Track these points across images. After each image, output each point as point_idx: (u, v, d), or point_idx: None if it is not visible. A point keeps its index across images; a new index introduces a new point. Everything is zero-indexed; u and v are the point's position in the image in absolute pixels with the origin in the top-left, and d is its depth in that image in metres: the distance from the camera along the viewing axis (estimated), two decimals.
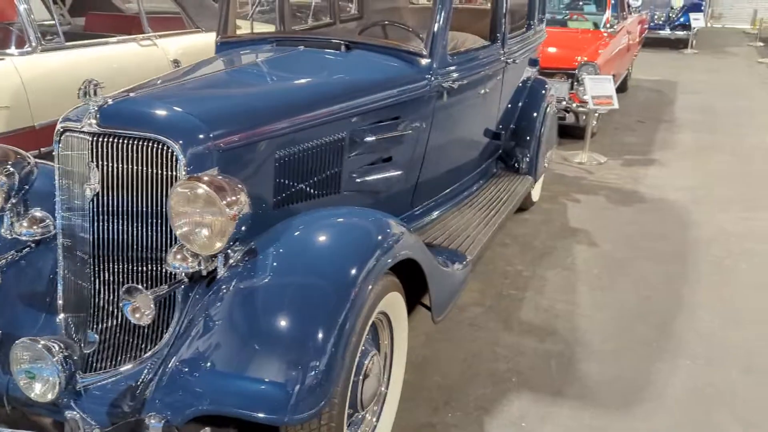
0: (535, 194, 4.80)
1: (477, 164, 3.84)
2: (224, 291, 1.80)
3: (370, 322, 1.96)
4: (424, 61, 2.95)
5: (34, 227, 2.14)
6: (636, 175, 5.67)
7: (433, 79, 2.96)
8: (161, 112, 1.98)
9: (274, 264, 1.85)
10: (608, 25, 7.65)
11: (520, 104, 4.35)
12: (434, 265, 2.41)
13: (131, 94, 2.02)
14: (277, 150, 2.26)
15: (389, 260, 1.99)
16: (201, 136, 1.97)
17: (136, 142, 1.93)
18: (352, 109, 2.57)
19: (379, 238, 2.02)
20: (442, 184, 3.44)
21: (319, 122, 2.41)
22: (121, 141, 1.93)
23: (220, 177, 1.85)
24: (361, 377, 2.02)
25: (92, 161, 1.95)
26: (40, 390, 1.71)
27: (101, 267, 2.01)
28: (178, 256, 1.86)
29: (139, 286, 1.77)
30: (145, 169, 1.95)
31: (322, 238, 1.97)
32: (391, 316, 2.23)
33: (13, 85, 3.86)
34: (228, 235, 1.78)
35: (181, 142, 1.92)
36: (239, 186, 1.86)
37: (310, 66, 2.83)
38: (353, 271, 1.84)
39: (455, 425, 2.48)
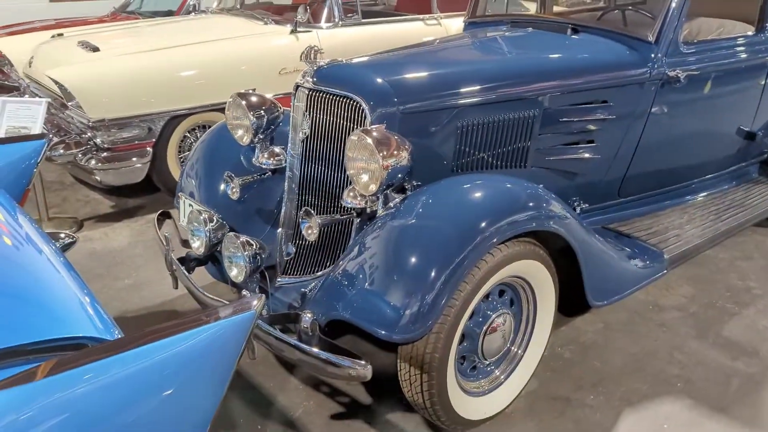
0: None
1: (719, 164, 3.53)
2: (377, 227, 2.17)
3: (494, 279, 2.15)
4: (648, 48, 2.88)
5: (272, 159, 2.78)
6: None
7: (656, 66, 2.87)
8: (359, 77, 2.42)
9: (420, 210, 2.14)
10: None
11: None
12: (596, 250, 2.45)
13: (342, 61, 2.49)
14: (461, 118, 2.53)
15: (524, 226, 2.14)
16: (388, 99, 2.36)
17: (337, 99, 2.40)
18: (547, 88, 2.69)
19: (518, 205, 2.18)
20: (665, 179, 3.29)
21: (506, 97, 2.60)
22: (327, 97, 2.42)
23: (386, 133, 2.21)
24: (484, 329, 2.23)
25: (306, 112, 2.49)
26: (235, 273, 2.31)
27: (304, 197, 2.56)
28: (351, 194, 2.29)
29: (312, 211, 2.26)
30: (342, 122, 2.42)
31: (466, 194, 2.20)
32: (533, 285, 2.36)
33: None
34: (380, 180, 2.15)
35: (371, 102, 2.34)
36: (402, 143, 2.20)
37: (519, 46, 3.00)
38: (479, 225, 2.04)
39: (591, 406, 2.51)
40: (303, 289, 2.41)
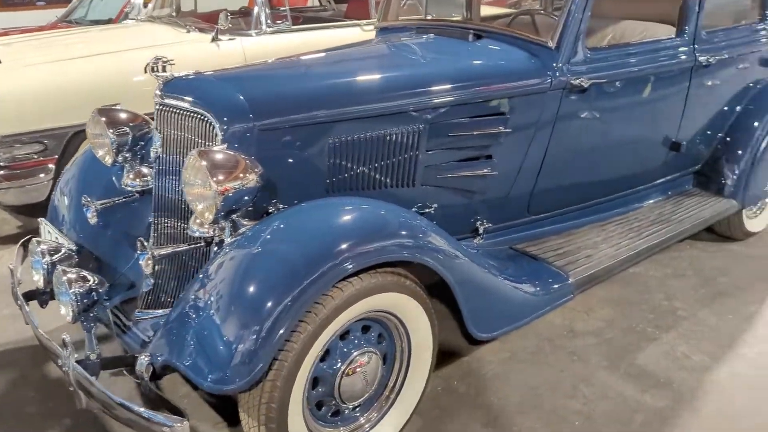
0: (760, 224, 3.94)
1: (643, 177, 3.32)
2: (217, 258, 1.94)
3: (348, 315, 1.93)
4: (549, 55, 2.66)
5: (138, 180, 2.54)
6: None
7: (558, 75, 2.66)
8: (210, 91, 2.19)
9: (265, 238, 1.91)
10: None
11: (736, 112, 3.60)
12: (480, 279, 2.24)
13: (193, 73, 2.26)
14: (333, 134, 2.31)
15: (377, 256, 1.91)
16: (241, 115, 2.13)
17: (187, 115, 2.17)
18: (433, 99, 2.47)
19: (372, 233, 1.95)
20: (580, 195, 3.07)
21: (383, 110, 2.38)
22: (177, 113, 2.19)
23: (228, 153, 1.99)
24: (342, 370, 2.00)
25: (156, 128, 2.26)
26: (63, 312, 2.07)
27: (161, 222, 2.32)
28: (197, 222, 2.06)
29: (146, 242, 2.03)
30: (194, 139, 2.19)
31: (318, 221, 1.98)
32: (404, 320, 2.13)
33: (237, 60, 4.53)
34: (216, 207, 1.92)
35: (222, 119, 2.11)
36: (248, 165, 1.97)
37: (412, 54, 2.78)
38: (323, 256, 1.83)
39: None
40: (152, 326, 2.19)
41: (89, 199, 2.47)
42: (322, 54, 2.79)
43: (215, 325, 1.78)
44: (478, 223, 2.80)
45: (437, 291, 2.19)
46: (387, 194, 2.50)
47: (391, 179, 2.50)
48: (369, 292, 1.95)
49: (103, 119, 2.45)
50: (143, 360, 1.89)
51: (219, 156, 1.95)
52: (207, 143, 2.14)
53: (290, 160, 2.27)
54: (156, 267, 2.12)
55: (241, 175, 1.95)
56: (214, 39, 4.59)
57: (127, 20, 5.93)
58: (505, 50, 2.76)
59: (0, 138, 3.74)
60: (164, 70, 2.21)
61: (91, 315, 2.07)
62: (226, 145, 2.05)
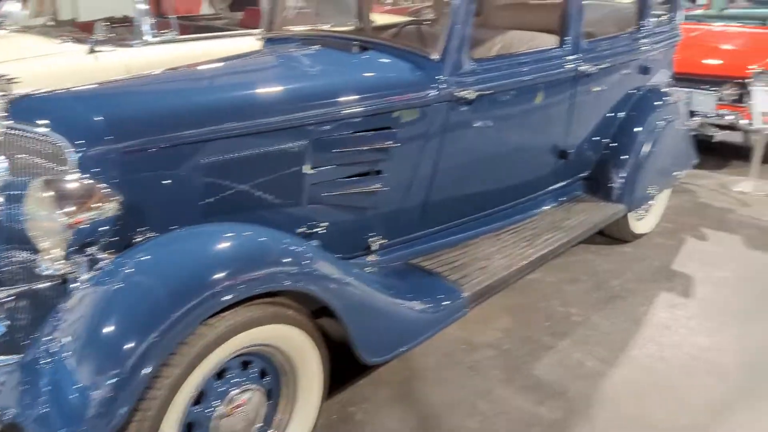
0: (646, 225, 4.08)
1: (534, 186, 3.34)
2: (73, 297, 1.74)
3: (221, 353, 1.78)
4: (433, 66, 2.61)
5: None
6: None
7: (443, 86, 2.61)
8: (61, 112, 1.98)
9: (121, 274, 1.73)
10: None
11: (620, 118, 3.70)
12: (368, 302, 2.14)
13: (42, 91, 2.05)
14: (206, 154, 2.15)
15: (252, 288, 1.77)
16: (97, 137, 1.94)
17: (37, 138, 1.95)
18: (315, 115, 2.35)
19: (249, 262, 1.81)
20: (473, 206, 3.04)
21: (262, 128, 2.24)
22: (24, 135, 1.97)
23: (77, 182, 1.79)
24: (218, 412, 1.85)
25: (3, 153, 2.02)
26: None
27: (12, 255, 2.08)
28: (47, 257, 1.85)
29: None
30: (45, 164, 1.97)
31: (180, 252, 1.82)
32: (288, 352, 2.00)
33: (118, 74, 4.24)
34: (66, 243, 1.72)
35: (75, 142, 1.91)
36: (101, 193, 1.79)
37: (294, 67, 2.67)
38: (184, 293, 1.67)
39: None
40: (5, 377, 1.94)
41: None
42: (198, 67, 2.62)
43: (66, 372, 1.59)
44: (372, 240, 2.71)
45: (328, 311, 2.08)
46: (272, 215, 2.37)
47: (276, 199, 2.36)
48: (245, 327, 1.81)
49: None
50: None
51: (67, 185, 1.76)
52: (60, 168, 1.93)
53: (160, 184, 2.09)
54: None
55: (95, 204, 1.77)
56: (92, 51, 4.28)
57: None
58: (390, 62, 2.69)
59: None
60: (6, 90, 1.98)
61: None
62: (78, 172, 1.85)
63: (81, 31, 4.76)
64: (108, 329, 1.61)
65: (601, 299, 3.35)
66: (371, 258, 2.72)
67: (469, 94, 2.65)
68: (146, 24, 4.50)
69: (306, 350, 2.03)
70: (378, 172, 2.59)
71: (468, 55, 2.66)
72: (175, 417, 1.71)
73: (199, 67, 2.61)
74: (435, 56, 2.61)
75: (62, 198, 1.71)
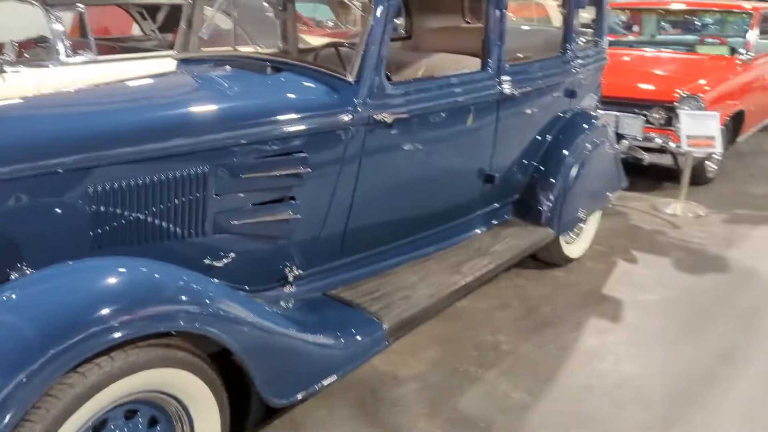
0: (578, 249, 4.06)
1: (459, 211, 3.26)
2: None
3: (95, 404, 1.60)
4: (349, 89, 2.50)
5: None
6: (734, 236, 4.61)
7: (359, 109, 2.50)
8: None
9: None
10: (748, 52, 6.37)
11: (547, 141, 3.67)
12: (273, 342, 1.99)
13: None
14: (93, 182, 1.98)
15: (136, 329, 1.61)
16: None
17: None
18: (218, 139, 2.21)
19: (135, 300, 1.66)
20: (396, 232, 2.93)
21: (157, 154, 2.09)
22: None
23: None
24: None
25: None
26: None
27: None
28: None
29: None
30: None
31: (54, 291, 1.66)
32: (181, 398, 1.83)
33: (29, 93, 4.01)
34: None
35: None
36: None
37: (193, 90, 2.53)
38: (49, 336, 1.50)
39: None
40: None
41: None
42: (93, 89, 2.44)
43: None
44: (287, 270, 2.56)
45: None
46: (172, 246, 2.21)
47: (176, 229, 2.20)
48: (124, 373, 1.63)
49: None
50: None
51: None
52: None
53: (41, 215, 1.91)
54: None
55: None
56: (0, 71, 4.04)
57: None
58: (304, 84, 2.57)
59: None
60: None
61: None
62: None
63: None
64: None
65: (531, 326, 3.28)
66: (287, 289, 2.58)
67: (387, 117, 2.55)
68: (61, 44, 4.29)
69: (201, 396, 1.86)
70: (291, 199, 2.46)
71: (384, 78, 2.56)
72: None
73: (94, 89, 2.43)
74: (350, 78, 2.51)
75: None
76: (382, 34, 2.51)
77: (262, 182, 2.36)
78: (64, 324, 1.54)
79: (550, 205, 3.57)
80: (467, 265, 3.03)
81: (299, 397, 2.10)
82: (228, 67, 2.75)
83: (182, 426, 1.89)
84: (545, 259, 3.87)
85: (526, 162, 3.59)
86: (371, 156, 2.60)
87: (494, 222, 3.53)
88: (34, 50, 4.68)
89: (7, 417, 1.41)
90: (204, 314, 1.79)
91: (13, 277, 1.85)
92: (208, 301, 1.82)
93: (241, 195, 2.33)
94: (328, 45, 3.35)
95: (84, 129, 2.02)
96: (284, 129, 2.36)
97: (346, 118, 2.48)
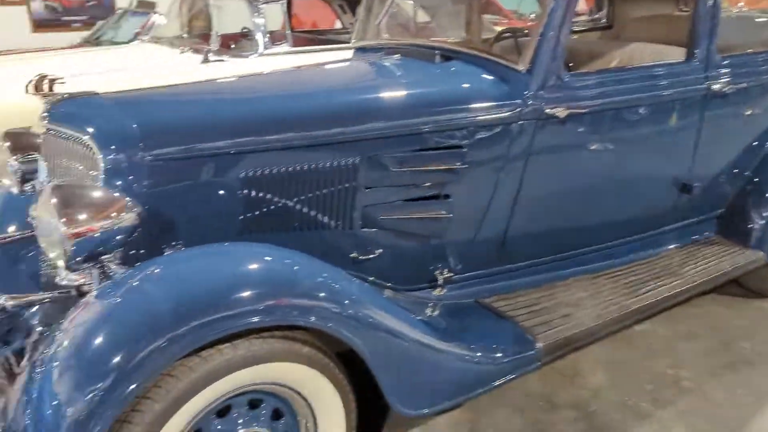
0: None
1: (646, 223, 2.85)
2: (73, 311, 1.63)
3: (218, 389, 1.58)
4: (519, 79, 2.27)
5: None
6: None
7: (529, 102, 2.26)
8: (95, 115, 1.90)
9: (123, 289, 1.58)
10: None
11: (765, 148, 3.09)
12: (409, 349, 1.86)
13: (83, 93, 1.98)
14: (246, 168, 1.99)
15: (268, 318, 1.57)
16: (128, 143, 1.84)
17: (73, 141, 1.89)
18: (372, 129, 2.12)
19: (272, 288, 1.62)
20: (566, 242, 2.64)
21: (311, 142, 2.05)
22: (63, 138, 1.91)
23: (90, 189, 1.70)
24: None
25: (42, 156, 1.99)
26: None
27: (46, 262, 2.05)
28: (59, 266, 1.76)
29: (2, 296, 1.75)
30: (80, 168, 1.90)
31: (195, 270, 1.65)
32: (305, 395, 1.77)
33: None
34: (66, 253, 1.61)
35: (105, 147, 1.82)
36: (115, 203, 1.68)
37: (362, 78, 2.45)
38: (174, 318, 1.48)
39: None
40: None
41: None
42: (259, 76, 2.48)
43: (50, 385, 1.45)
44: (438, 271, 2.42)
45: None
46: (320, 237, 2.17)
47: (323, 220, 2.15)
48: (248, 362, 1.60)
49: (7, 144, 2.20)
50: None
51: (78, 191, 1.66)
52: (93, 173, 1.85)
53: (194, 196, 1.96)
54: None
55: (108, 214, 1.65)
56: (205, 60, 4.38)
57: (136, 40, 5.83)
58: (472, 73, 2.39)
59: None
60: (51, 89, 1.94)
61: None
62: (102, 179, 1.76)
63: (204, 42, 4.90)
64: (92, 345, 1.46)
65: (722, 363, 2.78)
66: (436, 292, 2.43)
67: (560, 112, 2.28)
68: (261, 36, 4.54)
69: (326, 395, 1.78)
70: (445, 197, 2.29)
71: (562, 68, 2.29)
72: None
73: (261, 76, 2.47)
74: (521, 67, 2.27)
75: (68, 205, 1.61)
76: (563, 18, 2.24)
77: (416, 177, 2.23)
78: (202, 301, 1.53)
79: (764, 223, 3.00)
80: (648, 285, 2.63)
81: (431, 410, 1.94)
82: (398, 56, 2.65)
83: (306, 423, 1.83)
84: (752, 287, 3.27)
85: (735, 171, 3.05)
86: (539, 154, 2.35)
87: (692, 239, 3.04)
88: (239, 42, 5.02)
89: (131, 387, 1.42)
90: (339, 314, 1.70)
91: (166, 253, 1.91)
92: (346, 302, 1.73)
93: (393, 189, 2.22)
94: (505, 32, 3.11)
95: (242, 114, 2.03)
96: (444, 121, 2.21)
97: (515, 111, 2.25)
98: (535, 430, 2.37)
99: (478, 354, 2.09)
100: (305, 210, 2.11)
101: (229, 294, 1.57)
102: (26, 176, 2.24)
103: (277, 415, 1.80)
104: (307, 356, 1.70)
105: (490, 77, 2.35)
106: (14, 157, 2.20)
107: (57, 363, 1.47)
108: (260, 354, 1.61)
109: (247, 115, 2.02)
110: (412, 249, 2.33)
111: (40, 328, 2.02)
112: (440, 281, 2.41)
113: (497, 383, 2.10)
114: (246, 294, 1.58)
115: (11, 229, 2.36)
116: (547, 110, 2.28)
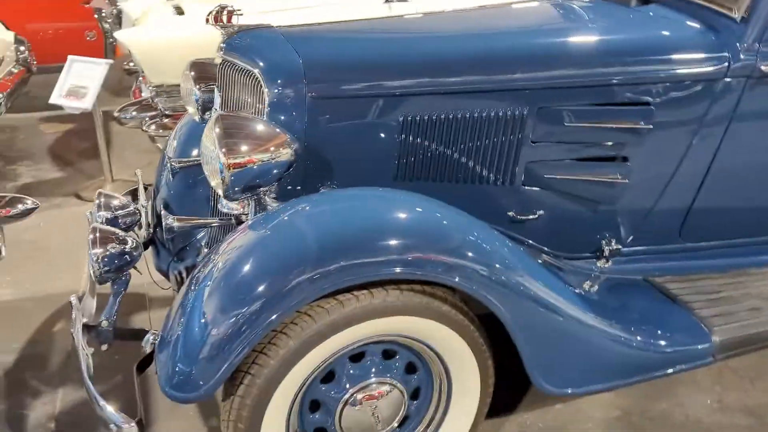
0: None
1: None
2: (226, 240, 1.69)
3: (357, 332, 1.56)
4: (731, 30, 1.93)
5: None
6: None
7: (741, 56, 1.92)
8: (266, 48, 1.90)
9: (275, 222, 1.60)
10: None
11: None
12: (565, 325, 1.72)
13: (258, 25, 1.99)
14: (407, 111, 1.90)
15: (412, 269, 1.52)
16: (293, 78, 1.82)
17: (243, 73, 1.92)
18: (546, 78, 1.92)
19: (420, 240, 1.56)
20: (760, 224, 2.26)
21: (477, 87, 1.90)
22: (236, 69, 1.95)
23: (253, 121, 1.71)
24: (344, 398, 1.65)
25: (217, 86, 2.05)
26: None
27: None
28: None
29: (166, 212, 1.86)
30: (248, 100, 1.94)
31: (345, 211, 1.63)
32: (442, 354, 1.70)
33: None
34: (225, 182, 1.65)
35: (271, 80, 1.83)
36: (276, 136, 1.69)
37: (538, 20, 2.22)
38: (325, 255, 1.48)
39: None
40: None
41: (170, 157, 2.38)
42: (435, 15, 2.35)
43: (199, 305, 1.51)
44: (605, 242, 2.19)
45: None
46: (477, 191, 2.04)
47: (482, 173, 2.02)
48: (383, 312, 1.55)
49: (192, 74, 2.31)
50: (149, 337, 1.72)
51: (240, 122, 1.68)
52: (259, 106, 1.88)
53: (353, 137, 1.92)
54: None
55: (264, 148, 1.66)
56: (387, 0, 4.32)
57: None
58: (674, 20, 2.07)
59: (164, 88, 3.90)
60: (229, 21, 1.98)
61: (122, 278, 1.95)
62: (267, 112, 1.77)
63: None
64: (240, 272, 1.50)
65: None
66: (600, 264, 2.21)
67: None
68: None
69: (462, 357, 1.70)
70: (623, 159, 2.05)
71: None
72: (287, 392, 1.55)
73: (434, 16, 2.34)
74: (736, 15, 1.92)
75: (230, 136, 1.64)
76: None
77: (592, 134, 2.00)
78: (349, 243, 1.52)
79: None
80: None
81: (575, 391, 1.78)
82: None
83: (440, 384, 1.77)
84: None
85: None
86: (745, 119, 2.01)
87: None
88: None
89: (272, 316, 1.43)
90: (487, 278, 1.59)
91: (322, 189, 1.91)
92: (496, 266, 1.62)
93: (564, 146, 2.01)
94: None
95: (412, 54, 1.93)
96: (636, 73, 1.95)
97: (721, 66, 1.93)
98: (698, 430, 2.11)
99: (639, 338, 1.88)
100: (464, 160, 1.99)
101: (377, 240, 1.53)
102: (207, 105, 2.33)
103: (411, 369, 1.76)
104: (446, 315, 1.62)
105: (696, 25, 2.02)
106: (197, 87, 2.30)
107: (208, 284, 1.52)
108: (396, 306, 1.56)
109: (418, 56, 1.92)
110: (577, 214, 2.13)
111: (206, 250, 2.15)
112: (606, 252, 2.19)
113: (658, 374, 1.88)
114: (394, 243, 1.53)
115: (194, 153, 2.50)
116: (763, 67, 1.92)
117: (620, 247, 2.19)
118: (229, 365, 1.44)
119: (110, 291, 1.94)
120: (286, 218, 1.60)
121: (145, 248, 2.29)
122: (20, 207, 2.63)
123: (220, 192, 1.70)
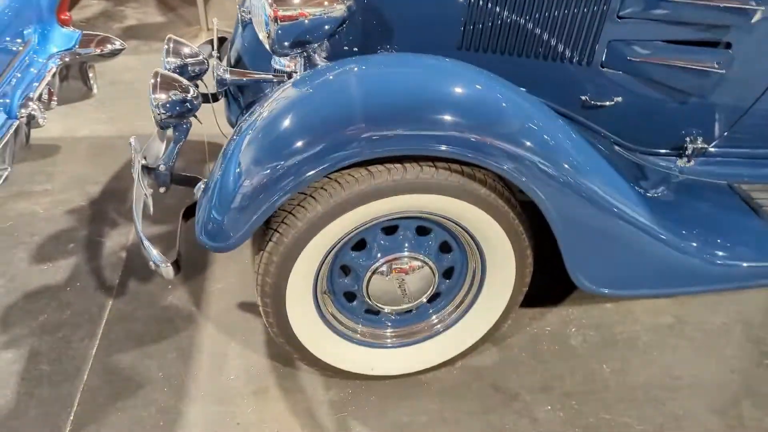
0: None
1: None
2: (270, 95, 1.65)
3: (390, 205, 1.52)
4: None
5: None
6: None
7: None
8: None
9: (320, 80, 1.52)
10: None
11: None
12: (618, 228, 1.61)
13: None
14: None
15: (454, 149, 1.41)
16: None
17: None
18: None
19: (472, 118, 1.43)
20: None
21: None
22: None
23: None
24: (373, 267, 1.66)
25: None
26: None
27: None
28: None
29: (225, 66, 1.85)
30: None
31: (397, 76, 1.52)
32: (479, 240, 1.65)
33: None
34: (272, 35, 1.59)
35: None
36: None
37: None
38: (363, 122, 1.40)
39: (537, 418, 1.78)
40: None
41: (243, 9, 2.33)
42: None
43: (237, 155, 1.49)
44: (689, 138, 1.98)
45: None
46: (548, 68, 1.87)
47: (557, 48, 1.83)
48: (415, 189, 1.49)
49: None
50: (200, 185, 1.77)
51: None
52: None
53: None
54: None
55: (316, 1, 1.57)
56: None
57: None
58: None
59: None
60: None
61: (183, 126, 1.99)
62: None
63: None
64: (281, 126, 1.45)
65: None
66: (681, 163, 2.01)
67: None
68: None
69: (498, 243, 1.63)
70: (727, 46, 1.78)
71: None
72: (313, 255, 1.57)
73: None
74: None
75: None
76: None
77: (691, 13, 1.73)
78: (396, 111, 1.42)
79: None
80: None
81: (618, 293, 1.69)
82: None
83: (474, 267, 1.73)
84: None
85: None
86: None
87: None
88: None
89: (306, 174, 1.39)
90: (543, 172, 1.47)
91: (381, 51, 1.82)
92: (558, 160, 1.49)
93: (655, 24, 1.77)
94: None
95: None
96: None
97: None
98: (754, 352, 1.98)
99: (704, 247, 1.73)
100: (538, 32, 1.80)
101: (428, 113, 1.42)
102: None
103: (446, 249, 1.73)
104: (482, 198, 1.54)
105: None
106: None
107: (249, 136, 1.50)
108: (429, 183, 1.49)
109: None
110: (661, 104, 1.91)
111: None
112: (689, 150, 1.98)
113: (717, 287, 1.75)
114: (446, 118, 1.42)
115: None
116: None
117: (706, 146, 1.98)
118: (257, 218, 1.44)
119: (171, 137, 2.00)
120: (333, 76, 1.52)
121: (215, 100, 2.31)
122: (109, 47, 2.72)
123: (266, 46, 1.65)
